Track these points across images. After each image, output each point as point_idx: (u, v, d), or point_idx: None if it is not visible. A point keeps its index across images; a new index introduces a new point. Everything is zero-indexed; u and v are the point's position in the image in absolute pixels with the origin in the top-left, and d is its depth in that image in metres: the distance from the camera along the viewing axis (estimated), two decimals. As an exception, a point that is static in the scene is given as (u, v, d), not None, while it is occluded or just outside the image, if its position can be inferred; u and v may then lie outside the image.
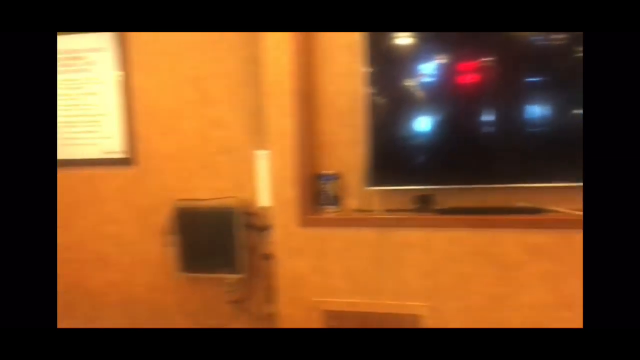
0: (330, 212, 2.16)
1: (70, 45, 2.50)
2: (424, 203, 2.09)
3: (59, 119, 2.55)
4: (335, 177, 2.17)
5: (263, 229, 2.42)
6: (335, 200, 2.18)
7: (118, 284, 2.63)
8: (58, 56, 2.51)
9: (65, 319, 2.68)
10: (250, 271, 2.46)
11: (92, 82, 2.51)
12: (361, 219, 2.08)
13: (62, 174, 2.59)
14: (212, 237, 2.41)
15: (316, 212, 2.16)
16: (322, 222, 2.11)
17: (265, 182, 2.18)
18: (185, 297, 2.56)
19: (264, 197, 2.19)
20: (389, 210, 2.12)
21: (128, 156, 2.52)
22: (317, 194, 2.18)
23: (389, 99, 2.06)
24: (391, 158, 2.10)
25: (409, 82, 2.03)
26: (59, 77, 2.53)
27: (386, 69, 2.04)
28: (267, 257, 2.43)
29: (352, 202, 2.22)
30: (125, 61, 2.45)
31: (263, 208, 2.24)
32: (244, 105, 2.38)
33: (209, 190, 2.47)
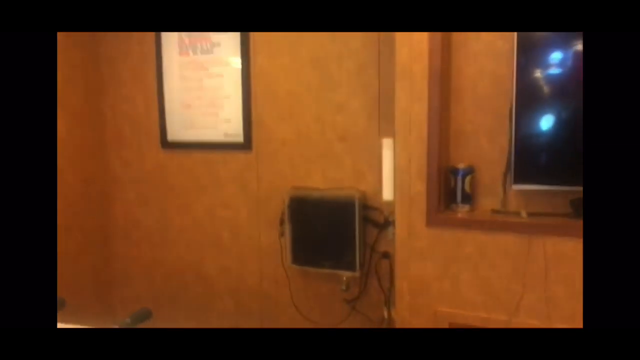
0: (461, 211, 1.89)
1: (195, 27, 2.47)
2: (579, 208, 1.74)
3: (182, 101, 2.55)
4: (469, 171, 1.90)
5: (383, 225, 2.21)
6: (468, 198, 1.90)
7: (230, 270, 2.59)
8: (182, 36, 2.50)
9: (178, 302, 2.70)
10: (367, 270, 2.27)
11: (215, 65, 2.46)
12: (501, 222, 1.78)
13: (182, 156, 2.59)
14: (328, 230, 2.26)
15: (446, 211, 1.90)
16: (453, 222, 1.85)
17: (390, 174, 1.96)
18: (296, 290, 2.45)
19: (387, 190, 1.98)
20: (532, 214, 1.80)
21: (246, 141, 2.44)
22: (448, 190, 1.92)
23: (539, 84, 1.73)
24: (540, 153, 1.77)
25: (565, 64, 1.69)
26: (183, 58, 2.52)
27: (538, 47, 1.71)
28: (386, 256, 2.22)
29: (487, 201, 1.93)
30: (247, 43, 2.37)
31: (385, 202, 2.03)
32: (368, 89, 2.18)
33: (325, 180, 2.31)
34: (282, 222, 2.38)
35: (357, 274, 2.21)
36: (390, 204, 2.05)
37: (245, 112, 2.42)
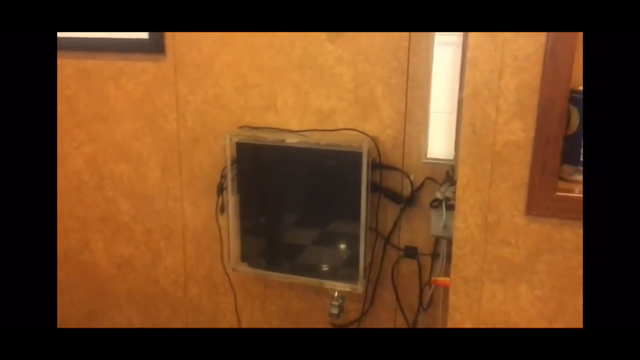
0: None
1: None
2: None
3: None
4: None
5: (408, 199, 1.20)
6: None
7: (133, 265, 1.53)
8: None
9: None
10: (376, 279, 1.28)
11: None
12: None
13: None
14: (308, 206, 1.24)
15: (563, 182, 0.91)
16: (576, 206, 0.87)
17: (446, 104, 0.93)
18: (247, 307, 1.44)
19: (437, 137, 0.95)
20: None
21: (153, 38, 1.32)
22: (564, 139, 0.91)
23: None
24: None
25: None
26: None
27: None
28: (412, 254, 1.23)
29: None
30: None
31: (426, 162, 1.01)
32: None
33: (303, 113, 1.26)
34: (221, 190, 1.33)
35: (358, 287, 1.21)
36: (439, 166, 1.04)
37: (150, -19, 1.28)
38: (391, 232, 1.24)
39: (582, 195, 0.87)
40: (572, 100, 0.88)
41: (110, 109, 1.42)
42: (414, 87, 1.15)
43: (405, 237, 1.24)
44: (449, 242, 0.99)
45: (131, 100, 1.40)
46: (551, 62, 0.83)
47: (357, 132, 1.20)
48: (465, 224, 0.92)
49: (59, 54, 1.42)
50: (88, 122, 1.46)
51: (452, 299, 0.96)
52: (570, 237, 0.88)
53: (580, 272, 0.88)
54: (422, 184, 1.17)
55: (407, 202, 1.19)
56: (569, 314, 0.91)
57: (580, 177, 0.91)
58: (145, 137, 1.42)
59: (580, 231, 0.87)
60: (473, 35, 0.84)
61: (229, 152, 1.25)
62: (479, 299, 0.94)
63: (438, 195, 0.99)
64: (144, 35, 1.32)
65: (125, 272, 1.55)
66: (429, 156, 1.00)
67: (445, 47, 0.92)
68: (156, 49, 1.33)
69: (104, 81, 1.41)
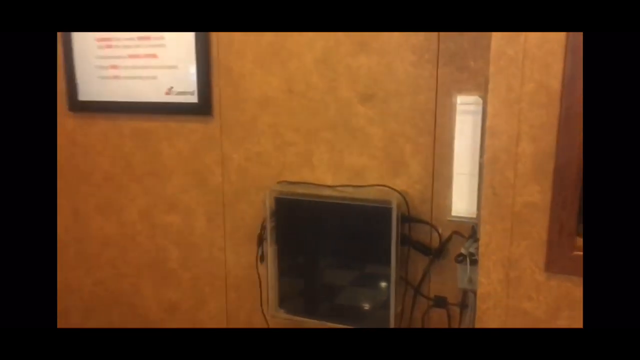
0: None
1: None
2: None
3: (96, 34, 1.56)
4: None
5: (437, 251, 1.26)
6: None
7: (179, 308, 1.64)
8: None
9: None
10: (407, 327, 1.33)
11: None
12: None
13: (103, 124, 1.61)
14: (341, 257, 1.31)
15: (581, 240, 0.95)
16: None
17: (469, 165, 1.01)
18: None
19: (461, 198, 1.02)
20: None
21: (202, 100, 1.46)
22: (580, 200, 0.96)
23: None
24: None
25: None
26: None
27: None
28: (441, 304, 1.28)
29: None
30: None
31: (459, 218, 1.08)
32: (419, 5, 1.20)
33: (337, 170, 1.35)
34: (261, 240, 1.42)
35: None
36: (463, 223, 1.11)
37: (200, 51, 1.43)
38: (421, 282, 1.30)
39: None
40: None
41: (162, 165, 1.57)
42: (440, 147, 1.23)
43: (435, 287, 1.30)
44: (475, 294, 1.04)
45: (181, 157, 1.54)
46: (565, 130, 0.90)
47: (387, 188, 1.28)
48: (488, 280, 0.97)
49: (119, 116, 1.58)
50: (141, 176, 1.60)
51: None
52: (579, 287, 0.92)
53: (602, 327, 0.92)
54: (450, 237, 1.24)
55: (436, 254, 1.25)
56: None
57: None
58: (193, 191, 1.54)
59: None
60: (491, 104, 0.92)
61: (269, 205, 1.35)
62: (503, 351, 0.98)
63: (463, 250, 1.05)
64: (194, 99, 1.47)
65: (172, 315, 1.65)
66: (453, 214, 1.07)
67: (466, 114, 1.00)
68: (205, 111, 1.47)
69: (159, 140, 1.55)
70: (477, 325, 0.99)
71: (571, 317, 0.93)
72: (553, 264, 0.93)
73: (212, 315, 1.59)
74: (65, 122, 1.66)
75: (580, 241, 0.93)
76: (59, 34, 1.60)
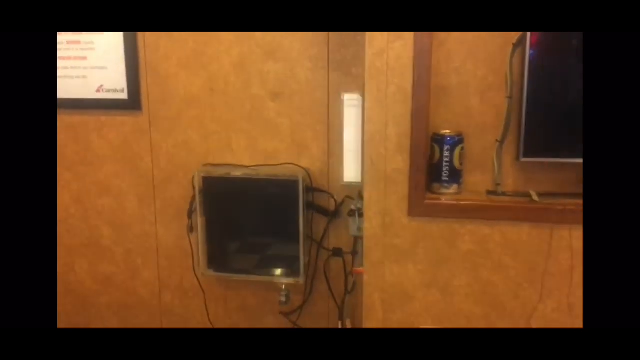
0: (448, 193, 1.39)
1: None
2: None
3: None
4: (459, 140, 1.39)
5: (333, 213, 1.65)
6: (457, 176, 1.40)
7: (114, 280, 1.86)
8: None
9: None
10: (313, 273, 1.70)
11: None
12: (513, 208, 1.32)
13: (32, 121, 1.76)
14: (259, 223, 1.64)
15: (428, 194, 1.39)
16: (446, 209, 1.34)
17: (354, 144, 1.39)
18: (214, 306, 1.80)
19: (350, 167, 1.41)
20: (543, 195, 1.36)
21: (132, 97, 1.69)
22: (431, 166, 1.40)
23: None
24: (559, 113, 1.32)
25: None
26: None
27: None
28: (338, 253, 1.66)
29: (474, 179, 1.45)
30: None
31: (345, 184, 1.46)
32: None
33: (252, 153, 1.68)
34: (191, 213, 1.70)
35: (300, 280, 1.63)
36: (352, 187, 1.50)
37: (129, 55, 1.66)
38: (322, 238, 1.67)
39: (443, 202, 1.35)
40: (434, 140, 1.37)
41: (94, 154, 1.77)
42: (333, 133, 1.61)
43: (333, 241, 1.68)
44: (362, 239, 1.43)
45: (112, 147, 1.75)
46: (416, 118, 1.31)
47: (294, 166, 1.64)
48: (370, 225, 1.37)
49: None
50: (74, 165, 1.79)
51: (365, 277, 1.40)
52: (435, 229, 1.35)
53: (449, 250, 1.35)
54: (343, 201, 1.63)
55: (333, 214, 1.64)
56: (440, 279, 1.37)
57: (442, 190, 1.39)
58: (124, 176, 1.77)
59: (446, 222, 1.34)
60: (367, 101, 1.31)
61: (198, 184, 1.64)
62: (382, 276, 1.39)
63: (353, 207, 1.44)
64: (124, 96, 1.70)
65: (106, 287, 1.86)
66: (345, 180, 1.45)
67: (351, 108, 1.39)
68: (134, 106, 1.70)
69: (89, 132, 1.75)
70: (364, 259, 1.39)
71: (425, 247, 1.36)
72: (412, 210, 1.34)
73: (145, 282, 1.83)
74: (-7, 117, 1.78)
75: (428, 194, 1.36)
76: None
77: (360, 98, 1.38)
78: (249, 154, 1.68)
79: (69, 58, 1.70)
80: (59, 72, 1.72)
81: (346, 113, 1.37)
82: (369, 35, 1.27)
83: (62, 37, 1.69)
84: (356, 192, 1.53)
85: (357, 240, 1.55)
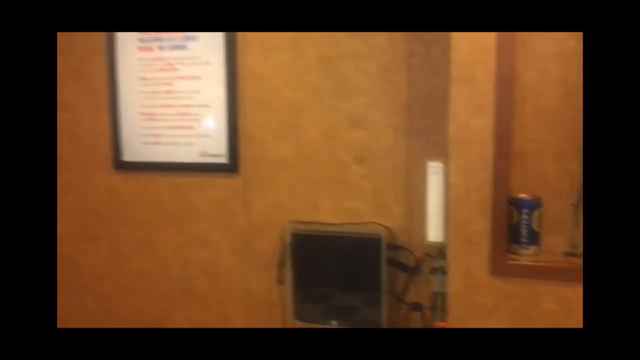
0: (528, 254, 1.48)
1: (164, 14, 1.91)
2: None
3: (140, 109, 1.98)
4: (537, 204, 1.49)
5: (413, 269, 1.76)
6: (536, 238, 1.49)
7: (208, 325, 2.02)
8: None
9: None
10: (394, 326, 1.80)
11: (190, 64, 1.91)
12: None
13: (143, 180, 2.01)
14: (344, 277, 1.77)
15: (512, 254, 1.48)
16: (527, 270, 1.43)
17: (438, 207, 1.52)
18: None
19: (434, 229, 1.53)
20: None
21: (230, 161, 1.91)
22: (510, 228, 1.50)
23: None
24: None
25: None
26: (145, 54, 1.95)
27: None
28: (418, 308, 1.76)
29: (552, 241, 1.53)
30: (233, 37, 1.85)
31: (432, 243, 1.58)
32: (396, 97, 1.73)
33: (337, 212, 1.83)
34: (281, 266, 1.86)
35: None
36: (431, 245, 1.61)
37: (230, 125, 1.89)
38: (402, 292, 1.78)
39: (523, 262, 1.44)
40: (512, 203, 1.47)
41: (195, 211, 1.98)
42: (412, 195, 1.74)
43: (411, 296, 1.78)
44: (444, 296, 1.53)
45: (211, 205, 1.96)
46: (495, 185, 1.43)
47: (376, 224, 1.77)
48: (454, 283, 1.47)
49: (157, 173, 1.99)
50: (175, 220, 2.01)
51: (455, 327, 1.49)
52: (517, 288, 1.43)
53: (532, 309, 1.42)
54: (422, 258, 1.74)
55: (412, 270, 1.75)
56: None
57: (521, 251, 1.48)
58: (220, 231, 1.96)
59: (528, 283, 1.43)
60: (451, 169, 1.44)
61: (289, 239, 1.80)
62: (465, 325, 1.47)
63: (435, 265, 1.55)
64: (224, 160, 1.91)
65: (199, 333, 2.03)
66: (430, 239, 1.57)
67: (434, 175, 1.52)
68: (232, 169, 1.91)
69: (191, 192, 1.98)
70: (449, 315, 1.48)
71: (507, 306, 1.44)
72: (494, 270, 1.44)
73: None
74: (110, 179, 2.05)
75: (508, 255, 1.45)
76: (110, 105, 2.00)
77: (442, 165, 1.51)
78: (334, 212, 1.83)
79: (178, 127, 1.95)
80: (168, 139, 1.97)
81: (430, 179, 1.51)
82: (452, 110, 1.42)
83: (174, 110, 1.95)
84: (434, 249, 1.64)
85: (438, 295, 1.64)
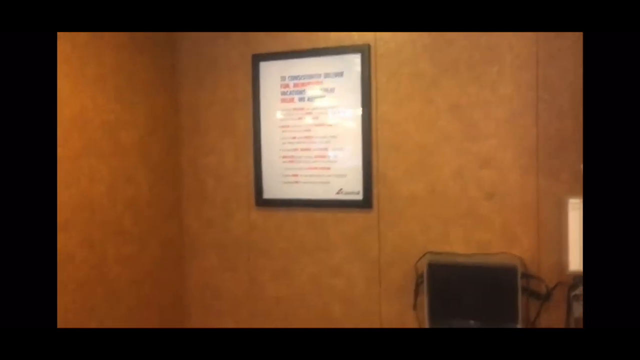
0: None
1: (305, 70, 2.19)
2: None
3: (281, 152, 2.24)
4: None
5: (545, 296, 1.90)
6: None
7: (340, 349, 2.21)
8: (289, 82, 2.21)
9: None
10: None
11: (328, 112, 2.17)
12: None
13: (281, 215, 2.25)
14: (480, 304, 1.93)
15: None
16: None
17: (578, 241, 1.68)
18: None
19: (574, 259, 1.69)
20: None
21: (365, 198, 2.12)
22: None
23: None
24: None
25: None
26: (286, 105, 2.22)
27: None
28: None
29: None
30: (368, 88, 2.10)
31: (573, 272, 1.73)
32: (523, 139, 1.92)
33: (468, 243, 2.01)
34: (417, 293, 2.04)
35: None
36: (566, 274, 1.77)
37: (365, 165, 2.12)
38: (536, 319, 1.92)
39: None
40: None
41: (330, 243, 2.20)
42: (540, 227, 1.90)
43: (544, 322, 1.92)
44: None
45: (345, 237, 2.17)
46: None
47: (508, 254, 1.94)
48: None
49: (295, 209, 2.22)
50: (311, 251, 2.23)
51: None
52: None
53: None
54: (555, 286, 1.88)
55: (545, 298, 1.89)
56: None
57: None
58: (355, 261, 2.17)
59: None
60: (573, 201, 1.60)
61: (425, 268, 1.98)
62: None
63: (577, 292, 1.70)
64: (359, 197, 2.13)
65: None
66: (571, 269, 1.72)
67: (575, 210, 1.69)
68: (366, 205, 2.13)
69: (327, 226, 2.20)
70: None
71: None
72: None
73: None
74: (251, 214, 2.30)
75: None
76: (253, 149, 2.27)
77: (581, 202, 1.68)
78: (464, 244, 2.01)
79: (316, 168, 2.19)
80: (306, 179, 2.21)
81: (571, 214, 1.68)
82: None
83: (312, 153, 2.19)
84: (575, 277, 1.79)
85: (579, 321, 1.78)
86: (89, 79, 1.85)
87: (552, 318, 1.90)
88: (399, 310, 2.10)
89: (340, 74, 2.14)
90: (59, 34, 1.67)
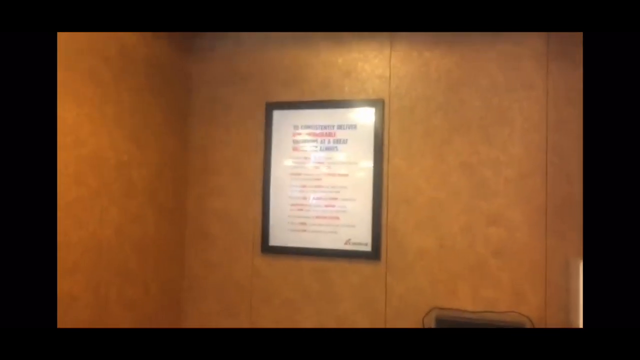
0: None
1: (319, 121, 2.23)
2: None
3: (290, 200, 2.24)
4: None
5: (552, 356, 1.91)
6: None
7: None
8: (302, 131, 2.24)
9: None
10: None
11: (340, 163, 2.20)
12: None
13: (287, 263, 2.23)
14: (488, 362, 1.93)
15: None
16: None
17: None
18: None
19: (582, 319, 1.72)
20: None
21: (374, 249, 2.13)
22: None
23: None
24: None
25: None
26: (299, 153, 2.25)
27: None
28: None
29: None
30: (381, 142, 2.14)
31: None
32: (532, 199, 1.98)
33: (476, 300, 2.02)
34: (423, 349, 2.03)
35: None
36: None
37: (375, 217, 2.14)
38: (541, 379, 1.92)
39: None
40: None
41: (334, 293, 2.18)
42: (548, 287, 1.94)
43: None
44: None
45: (352, 288, 2.16)
46: None
47: (517, 314, 1.96)
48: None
49: (301, 258, 2.21)
50: (315, 301, 2.20)
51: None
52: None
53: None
54: (561, 347, 1.90)
55: (552, 358, 1.90)
56: None
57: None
58: (360, 311, 2.15)
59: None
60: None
61: (431, 323, 1.98)
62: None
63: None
64: (367, 248, 2.14)
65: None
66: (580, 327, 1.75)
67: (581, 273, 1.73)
68: (374, 257, 2.13)
69: (334, 276, 2.19)
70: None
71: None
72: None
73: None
74: (256, 260, 2.27)
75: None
76: (262, 195, 2.27)
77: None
78: (472, 300, 2.02)
79: (325, 217, 2.20)
80: (314, 228, 2.21)
81: (579, 275, 1.72)
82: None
83: (321, 202, 2.20)
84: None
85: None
86: (108, 118, 1.84)
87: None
88: (404, 365, 2.07)
89: (353, 127, 2.19)
90: (84, 74, 1.67)
